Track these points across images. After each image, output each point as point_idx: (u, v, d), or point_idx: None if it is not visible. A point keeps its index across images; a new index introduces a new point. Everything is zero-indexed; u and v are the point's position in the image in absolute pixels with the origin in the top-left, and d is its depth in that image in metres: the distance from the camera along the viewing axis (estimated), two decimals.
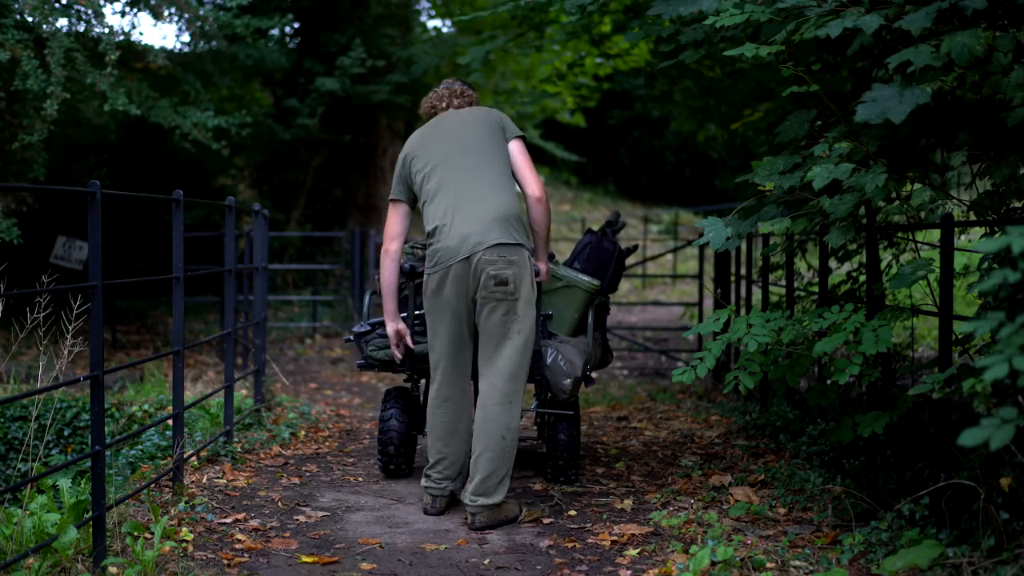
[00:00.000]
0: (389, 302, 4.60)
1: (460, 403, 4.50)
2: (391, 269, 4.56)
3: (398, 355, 4.73)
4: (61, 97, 8.49)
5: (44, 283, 4.11)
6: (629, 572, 3.78)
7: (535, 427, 5.96)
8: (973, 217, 4.31)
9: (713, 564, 3.64)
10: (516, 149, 4.53)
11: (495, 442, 4.33)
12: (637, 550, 4.02)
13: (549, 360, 4.82)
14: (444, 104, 4.71)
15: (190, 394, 6.92)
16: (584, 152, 26.00)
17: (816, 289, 6.11)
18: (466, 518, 4.41)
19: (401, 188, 4.58)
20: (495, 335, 4.34)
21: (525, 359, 4.39)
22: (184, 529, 4.15)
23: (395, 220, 4.58)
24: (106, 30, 9.27)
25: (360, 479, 5.24)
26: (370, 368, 5.03)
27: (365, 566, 3.86)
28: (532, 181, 4.52)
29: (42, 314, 4.13)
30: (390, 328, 4.65)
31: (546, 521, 4.48)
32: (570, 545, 4.14)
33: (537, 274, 4.61)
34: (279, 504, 4.71)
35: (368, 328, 5.02)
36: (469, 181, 4.37)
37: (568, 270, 5.20)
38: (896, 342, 6.22)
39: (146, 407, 6.96)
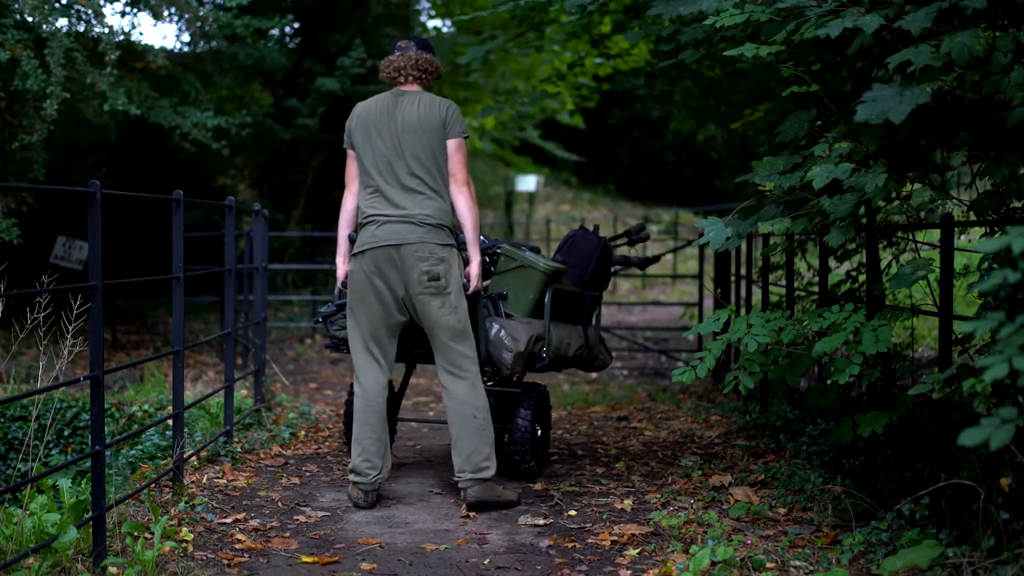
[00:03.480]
0: (344, 229, 4.82)
1: (375, 392, 4.68)
2: (349, 206, 4.80)
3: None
4: (61, 97, 8.49)
5: (44, 283, 4.10)
6: (629, 572, 3.78)
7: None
8: (973, 217, 4.31)
9: (713, 564, 3.64)
10: (453, 148, 4.65)
11: (468, 422, 4.62)
12: (637, 550, 4.02)
13: (492, 334, 4.91)
14: (403, 78, 4.73)
15: (190, 394, 6.92)
16: (584, 152, 26.00)
17: (816, 289, 6.11)
18: (461, 495, 4.67)
19: (351, 142, 4.77)
20: (438, 325, 4.60)
21: (471, 339, 4.68)
22: (184, 529, 4.15)
23: (351, 167, 4.78)
24: (106, 30, 9.27)
25: None
26: (337, 348, 5.20)
27: (365, 566, 3.86)
28: (458, 175, 4.64)
29: (42, 314, 4.12)
30: (340, 271, 4.86)
31: (546, 521, 4.48)
32: (570, 545, 4.14)
33: (467, 278, 4.72)
34: (279, 504, 4.71)
35: (334, 309, 5.18)
36: (406, 186, 4.59)
37: (524, 252, 5.18)
38: (896, 342, 6.22)
39: (146, 407, 6.95)
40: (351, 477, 4.71)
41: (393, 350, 4.72)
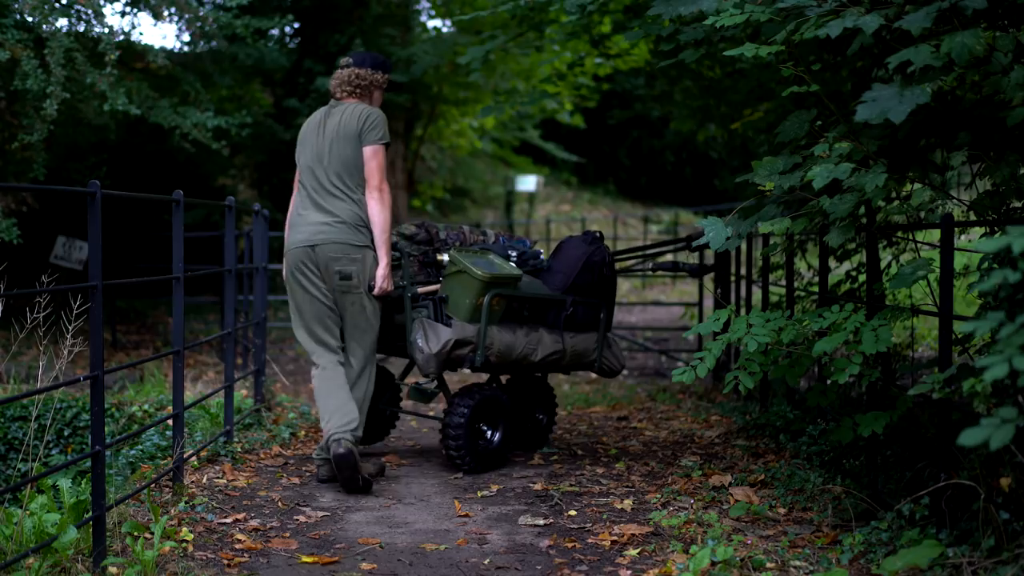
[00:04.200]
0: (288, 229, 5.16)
1: (332, 366, 4.96)
2: (292, 208, 5.16)
3: None
4: (61, 97, 8.49)
5: (44, 283, 4.10)
6: (629, 572, 3.78)
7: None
8: (973, 217, 4.31)
9: (713, 564, 3.63)
10: (368, 155, 4.98)
11: (337, 391, 4.92)
12: (637, 550, 4.02)
13: (412, 335, 5.12)
14: (339, 92, 5.15)
15: (190, 394, 6.92)
16: (584, 152, 25.99)
17: (816, 289, 6.11)
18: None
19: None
20: (347, 320, 5.03)
21: (374, 337, 5.08)
22: (184, 529, 4.15)
23: (298, 173, 5.18)
24: (106, 30, 9.28)
25: None
26: None
27: (365, 566, 3.86)
28: (372, 181, 4.95)
29: (42, 314, 4.12)
30: (285, 269, 5.13)
31: (546, 521, 4.48)
32: (570, 545, 4.14)
33: (373, 279, 4.96)
34: (279, 504, 4.71)
35: None
36: (327, 191, 4.96)
37: (465, 258, 5.21)
38: (896, 342, 6.21)
39: (146, 407, 6.96)
40: (335, 441, 4.78)
41: (338, 329, 5.03)
